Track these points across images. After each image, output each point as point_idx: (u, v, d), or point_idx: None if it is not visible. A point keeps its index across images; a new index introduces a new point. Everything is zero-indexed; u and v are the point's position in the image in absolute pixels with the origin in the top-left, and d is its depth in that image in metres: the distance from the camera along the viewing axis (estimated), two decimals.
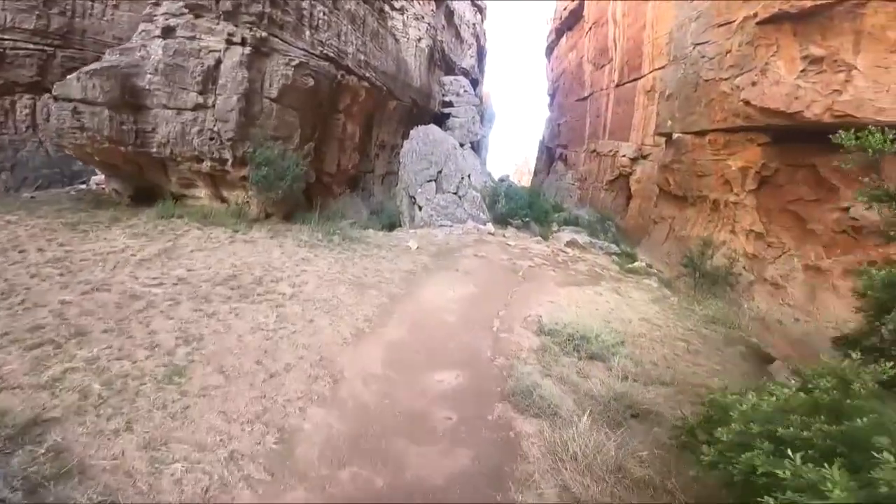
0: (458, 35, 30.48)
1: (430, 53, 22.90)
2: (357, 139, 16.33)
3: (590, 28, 31.26)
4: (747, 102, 11.37)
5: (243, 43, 10.50)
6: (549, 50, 47.39)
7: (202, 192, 11.76)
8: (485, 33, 46.03)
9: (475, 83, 36.19)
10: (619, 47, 26.90)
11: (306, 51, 11.91)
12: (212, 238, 9.71)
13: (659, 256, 16.50)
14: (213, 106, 10.35)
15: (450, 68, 30.11)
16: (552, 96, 48.12)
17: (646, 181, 22.03)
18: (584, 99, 34.02)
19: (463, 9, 31.84)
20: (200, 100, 10.40)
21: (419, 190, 16.59)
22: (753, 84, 11.25)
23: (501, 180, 48.35)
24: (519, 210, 17.94)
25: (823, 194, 10.52)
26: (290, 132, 11.69)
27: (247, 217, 11.22)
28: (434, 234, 13.72)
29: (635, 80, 25.28)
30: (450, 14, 28.41)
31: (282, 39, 11.16)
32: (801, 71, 10.26)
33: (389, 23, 18.85)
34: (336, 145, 14.97)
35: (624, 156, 24.34)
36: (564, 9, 35.79)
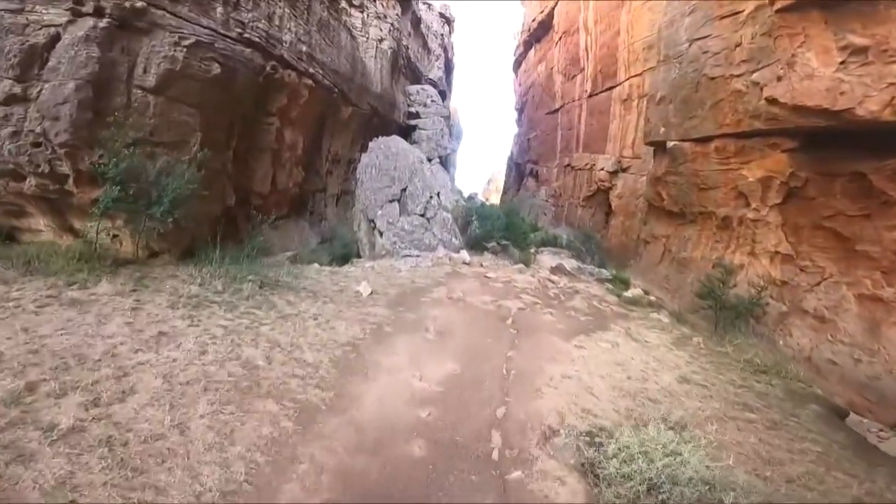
0: (425, 45, 28.17)
1: (394, 58, 20.32)
2: (300, 150, 13.39)
3: (560, 38, 29.50)
4: (772, 101, 9.14)
5: (99, 14, 7.32)
6: (517, 64, 45.90)
7: (41, 223, 8.30)
8: (452, 46, 44.13)
9: (443, 95, 33.91)
10: (592, 55, 25.08)
11: (213, 30, 8.86)
12: (10, 300, 5.58)
13: (656, 281, 14.12)
14: (37, 98, 7.19)
15: (416, 78, 27.68)
16: (520, 111, 46.49)
17: (628, 196, 19.90)
18: (555, 111, 32.20)
19: (431, 19, 29.67)
20: (17, 89, 7.11)
21: (379, 212, 13.75)
22: (779, 79, 9.04)
23: (470, 198, 45.99)
24: (495, 232, 15.30)
25: (875, 209, 8.29)
26: (182, 137, 8.28)
27: (115, 258, 7.67)
28: (396, 269, 10.85)
29: (610, 88, 23.44)
30: (417, 21, 26.07)
31: (171, 13, 8.06)
32: (841, 63, 8.10)
33: (345, 18, 16.14)
34: (269, 157, 11.94)
35: (602, 169, 22.25)
36: (533, 20, 34.13)
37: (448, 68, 42.00)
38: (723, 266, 10.40)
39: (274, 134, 11.72)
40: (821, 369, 8.35)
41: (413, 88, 24.63)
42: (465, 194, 40.91)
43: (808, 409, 6.62)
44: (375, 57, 18.42)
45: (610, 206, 21.74)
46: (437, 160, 21.17)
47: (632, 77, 21.16)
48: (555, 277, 13.06)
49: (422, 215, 14.03)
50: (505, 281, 11.16)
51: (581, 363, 6.45)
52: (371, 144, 15.86)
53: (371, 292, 8.58)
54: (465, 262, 12.23)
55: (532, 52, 38.44)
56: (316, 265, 10.63)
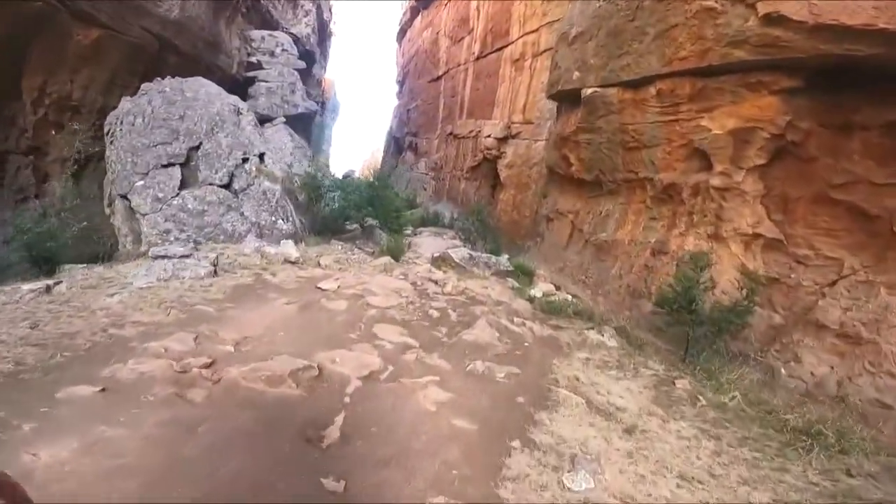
0: None
1: None
2: None
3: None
4: (776, 19, 5.26)
5: None
6: (402, 33, 39.70)
7: None
8: (331, 9, 36.30)
9: (310, 58, 26.62)
10: (483, 13, 20.58)
11: None
12: None
13: (566, 271, 10.22)
14: None
15: (269, 27, 20.25)
16: (401, 83, 40.69)
17: (520, 165, 15.97)
18: (438, 78, 27.35)
19: None
20: None
21: (140, 183, 7.51)
22: None
23: (346, 176, 39.68)
24: (352, 210, 9.96)
25: None
26: None
27: None
28: (119, 287, 4.94)
29: (501, 48, 19.19)
30: None
31: None
32: None
33: None
34: None
35: (489, 136, 18.05)
36: None
37: (322, 32, 34.22)
38: (689, 255, 6.52)
39: None
40: (867, 416, 4.84)
41: (257, 34, 17.49)
42: (340, 174, 34.78)
43: None
44: None
45: (498, 177, 17.74)
46: (283, 121, 14.81)
47: (526, 34, 17.07)
48: (438, 275, 8.27)
49: (225, 186, 8.06)
50: (355, 292, 6.02)
51: None
52: (145, 86, 9.15)
53: None
54: (288, 261, 6.73)
55: (419, 18, 32.90)
56: None
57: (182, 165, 8.11)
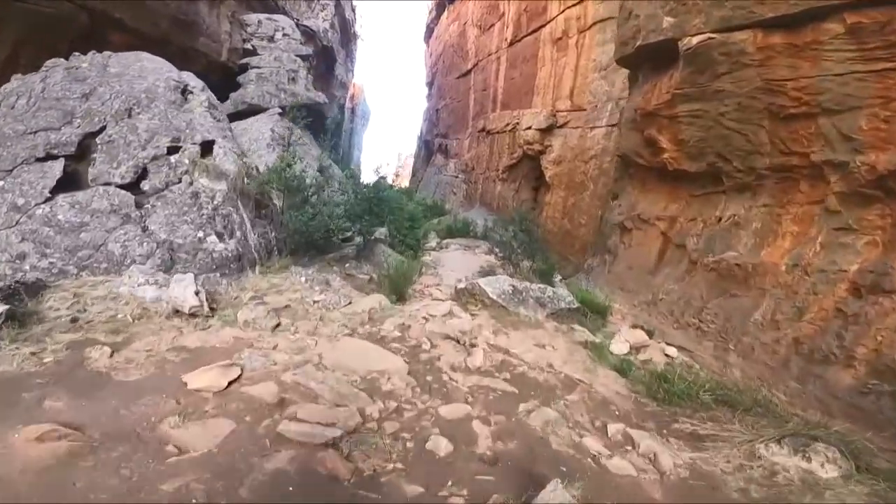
0: None
1: None
2: None
3: None
4: None
5: None
6: (429, 32, 37.00)
7: None
8: (354, 10, 34.16)
9: (329, 55, 24.13)
10: None
11: None
12: None
13: (663, 309, 6.50)
14: None
15: (273, 12, 17.67)
16: (430, 84, 37.87)
17: (572, 160, 12.32)
18: (468, 73, 24.20)
19: None
20: None
21: None
22: None
23: (381, 183, 37.31)
24: (336, 219, 6.67)
25: None
26: None
27: None
28: None
29: (538, 29, 15.78)
30: None
31: None
32: None
33: None
34: None
35: (529, 128, 14.50)
36: None
37: (346, 32, 31.92)
38: None
39: None
40: None
41: (253, 17, 14.76)
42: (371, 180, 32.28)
43: None
44: None
45: (541, 176, 14.14)
46: (278, 111, 11.91)
47: (568, 7, 13.65)
48: (463, 323, 4.86)
49: (128, 186, 4.99)
50: (259, 397, 2.68)
51: None
52: (51, 62, 6.31)
53: None
54: (178, 313, 3.47)
55: (445, 14, 30.10)
56: None
57: (70, 158, 5.13)
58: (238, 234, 5.42)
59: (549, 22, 15.16)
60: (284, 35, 15.15)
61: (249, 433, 2.50)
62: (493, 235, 10.74)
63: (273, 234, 6.47)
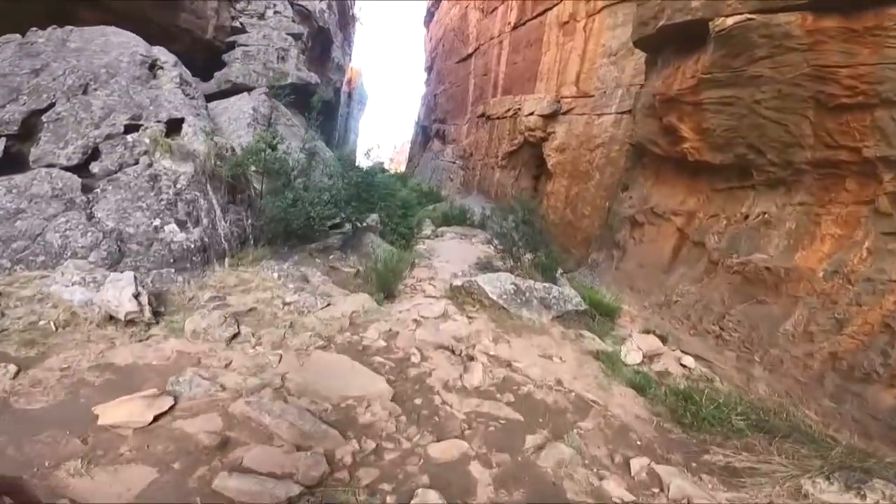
0: None
1: None
2: None
3: None
4: None
5: None
6: (430, 16, 35.65)
7: None
8: None
9: (326, 37, 22.94)
10: None
11: None
12: None
13: (677, 312, 5.92)
14: None
15: None
16: (429, 69, 36.66)
17: (577, 147, 11.62)
18: (468, 57, 23.21)
19: None
20: None
21: None
22: None
23: (374, 167, 36.19)
24: (321, 207, 5.96)
25: None
26: None
27: None
28: None
29: (544, 12, 14.87)
30: None
31: None
32: None
33: None
34: None
35: (531, 113, 13.74)
36: None
37: (344, 14, 30.45)
38: None
39: None
40: None
41: None
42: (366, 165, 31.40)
43: None
44: None
45: (543, 164, 13.44)
46: (264, 90, 11.06)
47: None
48: (459, 327, 4.25)
49: (76, 168, 4.27)
50: (189, 437, 2.06)
51: None
52: (5, 37, 5.50)
53: None
54: (113, 320, 2.83)
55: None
56: None
57: (14, 138, 4.40)
58: (205, 221, 4.73)
59: (555, 5, 14.29)
60: (276, 13, 14.17)
61: (175, 487, 1.88)
62: (491, 224, 10.08)
63: (249, 221, 5.79)
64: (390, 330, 3.86)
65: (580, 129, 11.48)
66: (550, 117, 13.04)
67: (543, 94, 13.98)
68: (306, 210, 5.60)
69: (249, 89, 10.99)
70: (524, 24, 16.77)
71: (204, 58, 11.89)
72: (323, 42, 24.22)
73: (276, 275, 4.33)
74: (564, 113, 12.65)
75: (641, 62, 10.03)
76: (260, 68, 11.74)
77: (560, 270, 8.10)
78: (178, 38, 10.75)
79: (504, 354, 4.05)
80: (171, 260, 4.16)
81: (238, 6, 13.53)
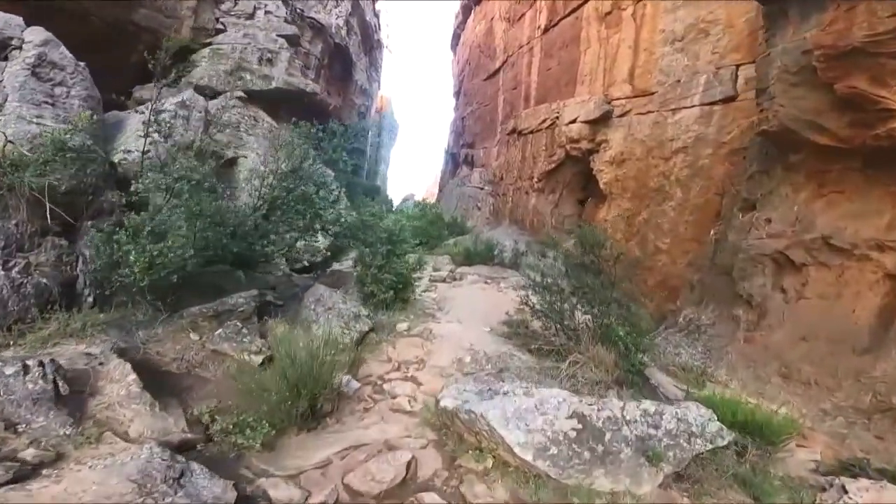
0: None
1: None
2: None
3: None
4: None
5: None
6: (456, 39, 34.49)
7: None
8: (376, 14, 31.90)
9: (345, 55, 21.58)
10: None
11: None
12: None
13: None
14: None
15: None
16: (457, 94, 35.13)
17: (643, 157, 8.57)
18: (496, 73, 21.10)
19: None
20: None
21: None
22: None
23: (405, 200, 34.18)
24: (190, 254, 3.25)
25: None
26: None
27: None
28: None
29: (578, 7, 12.39)
30: None
31: None
32: None
33: None
34: None
35: (573, 121, 10.94)
36: None
37: (368, 37, 29.55)
38: None
39: None
40: None
41: None
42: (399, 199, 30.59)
43: None
44: None
45: (591, 182, 10.46)
46: (240, 95, 8.95)
47: None
48: None
49: None
50: None
51: None
52: None
53: None
54: None
55: (471, 17, 27.55)
56: None
57: None
58: None
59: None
60: (267, 13, 12.37)
61: None
62: (527, 265, 7.07)
63: (87, 265, 3.20)
64: None
65: (646, 133, 8.52)
66: (599, 122, 10.17)
67: (587, 96, 11.23)
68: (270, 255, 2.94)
69: (217, 93, 8.90)
70: (556, 24, 14.33)
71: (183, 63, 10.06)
72: (343, 62, 22.74)
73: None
74: (622, 115, 9.77)
75: (722, 44, 7.25)
76: (231, 66, 9.71)
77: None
78: (135, 39, 8.74)
79: None
80: None
81: (224, 6, 11.77)
